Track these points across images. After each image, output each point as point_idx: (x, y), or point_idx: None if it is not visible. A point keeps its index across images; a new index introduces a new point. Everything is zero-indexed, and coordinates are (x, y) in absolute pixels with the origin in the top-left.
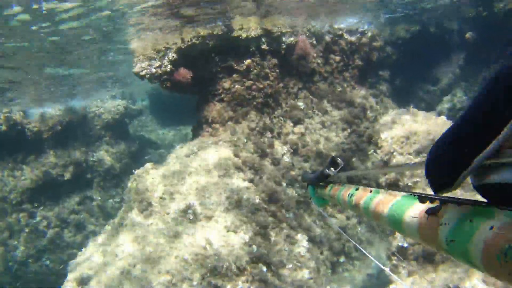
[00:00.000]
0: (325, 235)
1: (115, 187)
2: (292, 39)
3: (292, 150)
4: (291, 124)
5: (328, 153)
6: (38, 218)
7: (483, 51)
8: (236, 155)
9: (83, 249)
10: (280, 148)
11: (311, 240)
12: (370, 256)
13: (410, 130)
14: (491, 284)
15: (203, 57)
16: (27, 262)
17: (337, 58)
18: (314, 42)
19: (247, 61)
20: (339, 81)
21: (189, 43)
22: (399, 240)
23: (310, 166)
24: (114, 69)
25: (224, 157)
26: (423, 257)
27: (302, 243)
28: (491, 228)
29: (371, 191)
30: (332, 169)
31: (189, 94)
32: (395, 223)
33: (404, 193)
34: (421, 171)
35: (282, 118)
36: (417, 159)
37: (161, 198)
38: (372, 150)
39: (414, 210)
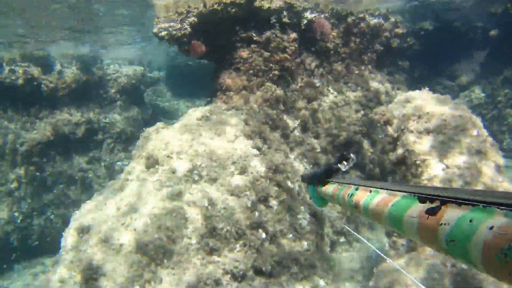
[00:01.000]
0: (327, 212)
1: (124, 150)
2: (313, 15)
3: (302, 126)
4: (305, 100)
5: (338, 133)
6: (46, 173)
7: (506, 49)
8: (247, 124)
9: (88, 201)
10: (291, 122)
11: (313, 215)
12: (356, 234)
13: (423, 109)
14: None
15: (223, 25)
16: (32, 214)
17: (357, 40)
18: (336, 22)
19: (267, 33)
20: (357, 63)
21: (211, 8)
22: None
23: (319, 143)
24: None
25: (235, 123)
26: None
27: (304, 215)
28: (491, 228)
29: (371, 191)
30: (344, 162)
31: (206, 60)
32: (395, 223)
33: (404, 193)
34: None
35: (296, 93)
36: (427, 137)
37: (168, 156)
38: (384, 135)
39: (414, 210)
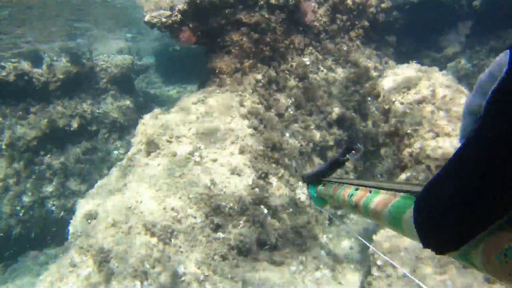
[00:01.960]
0: None
1: (119, 139)
2: None
3: (296, 104)
4: (297, 79)
5: (330, 109)
6: (44, 166)
7: (490, 20)
8: (241, 105)
9: (90, 190)
10: (284, 101)
11: None
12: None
13: (412, 81)
14: None
15: (212, 9)
16: (33, 207)
17: (344, 17)
18: (322, 0)
19: (256, 15)
20: (345, 40)
21: None
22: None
23: (313, 120)
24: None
25: (230, 105)
26: None
27: (303, 189)
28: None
29: (370, 191)
30: (353, 152)
31: (198, 45)
32: (395, 223)
33: (404, 194)
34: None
35: (287, 72)
36: (417, 107)
37: (168, 141)
38: (374, 109)
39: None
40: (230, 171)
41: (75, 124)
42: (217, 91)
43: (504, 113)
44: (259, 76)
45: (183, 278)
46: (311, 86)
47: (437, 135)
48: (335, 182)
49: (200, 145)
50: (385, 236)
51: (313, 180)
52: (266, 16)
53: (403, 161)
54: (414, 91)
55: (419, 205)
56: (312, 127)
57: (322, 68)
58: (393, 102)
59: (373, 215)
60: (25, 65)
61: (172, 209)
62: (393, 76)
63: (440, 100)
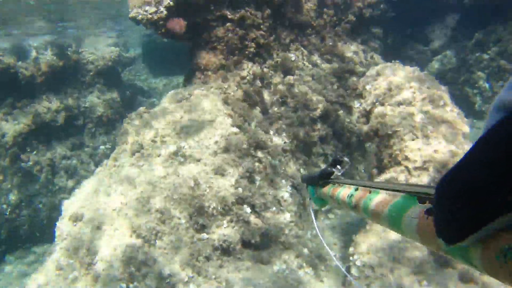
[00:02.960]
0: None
1: (106, 133)
2: None
3: (281, 100)
4: (282, 75)
5: (316, 105)
6: (30, 163)
7: (477, 14)
8: (226, 102)
9: (76, 190)
10: (269, 98)
11: (294, 187)
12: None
13: (393, 82)
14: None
15: (198, 5)
16: (20, 205)
17: (331, 12)
18: None
19: (241, 11)
20: (331, 35)
21: None
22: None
23: (297, 116)
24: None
25: (215, 103)
26: None
27: (286, 188)
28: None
29: (370, 192)
30: (338, 167)
31: (183, 41)
32: (394, 224)
33: (404, 194)
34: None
35: (272, 69)
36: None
37: (152, 141)
38: (358, 104)
39: (414, 211)
40: (213, 171)
41: (61, 119)
42: (202, 88)
43: None
44: (244, 73)
45: (168, 280)
46: (296, 82)
47: (416, 137)
48: (335, 182)
49: (184, 145)
50: (363, 236)
51: (311, 181)
52: (252, 11)
53: (383, 162)
54: (395, 93)
55: (439, 191)
56: (297, 123)
57: (307, 64)
58: (374, 103)
59: (372, 215)
60: (10, 59)
61: (157, 210)
62: (375, 76)
63: (420, 102)
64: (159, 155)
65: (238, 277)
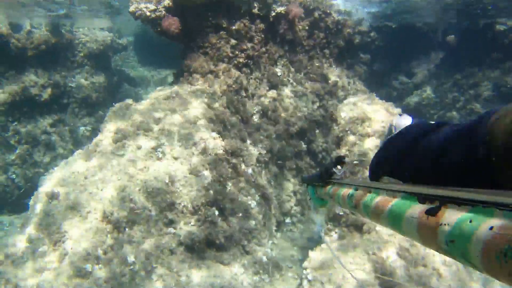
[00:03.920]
0: (276, 195)
1: (88, 115)
2: (282, 8)
3: (262, 113)
4: (266, 88)
5: (295, 121)
6: (10, 133)
7: (461, 55)
8: (209, 107)
9: (55, 168)
10: (251, 108)
11: (263, 196)
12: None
13: (366, 114)
14: (403, 257)
15: (195, 9)
16: None
17: (321, 34)
18: (303, 15)
19: (237, 22)
20: (319, 56)
21: None
22: (336, 208)
23: (275, 130)
24: None
25: (198, 106)
26: (353, 225)
27: (255, 197)
28: (491, 228)
29: (370, 192)
30: (339, 167)
31: (177, 42)
32: (394, 224)
33: (404, 194)
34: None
35: (258, 81)
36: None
37: (135, 133)
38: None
39: (414, 211)
40: (189, 171)
41: (46, 95)
42: (188, 89)
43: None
44: (230, 81)
45: (131, 267)
46: (279, 97)
47: None
48: (335, 182)
49: (164, 142)
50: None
51: (310, 181)
52: (247, 24)
53: None
54: (366, 124)
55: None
56: (274, 136)
57: (292, 81)
58: (347, 131)
59: (372, 216)
60: (3, 28)
61: (131, 200)
62: (351, 106)
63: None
64: (139, 148)
65: (198, 274)
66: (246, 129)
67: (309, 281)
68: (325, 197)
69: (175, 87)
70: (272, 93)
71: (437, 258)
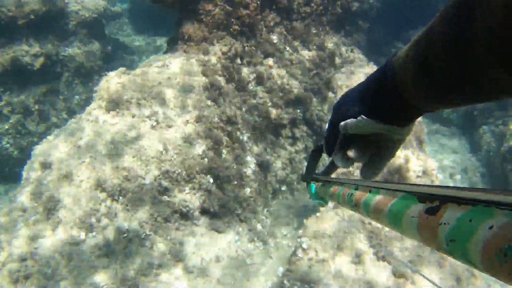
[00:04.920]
0: (273, 162)
1: (82, 84)
2: None
3: (257, 80)
4: (262, 56)
5: (290, 89)
6: (2, 102)
7: None
8: (204, 75)
9: (48, 137)
10: (246, 76)
11: (258, 164)
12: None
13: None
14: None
15: None
16: None
17: (318, 1)
18: None
19: None
20: (316, 24)
21: None
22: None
23: (271, 97)
24: None
25: (193, 74)
26: None
27: (250, 164)
28: (491, 227)
29: (370, 191)
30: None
31: (172, 9)
32: (394, 223)
33: (404, 193)
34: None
35: (254, 48)
36: None
37: (128, 101)
38: (333, 95)
39: (414, 210)
40: (183, 139)
41: (38, 64)
42: (182, 57)
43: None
44: (225, 49)
45: (125, 235)
46: (275, 65)
47: None
48: (335, 182)
49: (158, 110)
50: (313, 221)
51: (309, 176)
52: None
53: None
54: None
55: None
56: (270, 104)
57: (288, 48)
58: None
59: (373, 215)
60: None
61: (124, 168)
62: (348, 74)
63: None
64: (133, 116)
65: (192, 241)
66: (242, 96)
67: (303, 249)
68: (325, 196)
69: (169, 56)
70: (267, 60)
71: None
